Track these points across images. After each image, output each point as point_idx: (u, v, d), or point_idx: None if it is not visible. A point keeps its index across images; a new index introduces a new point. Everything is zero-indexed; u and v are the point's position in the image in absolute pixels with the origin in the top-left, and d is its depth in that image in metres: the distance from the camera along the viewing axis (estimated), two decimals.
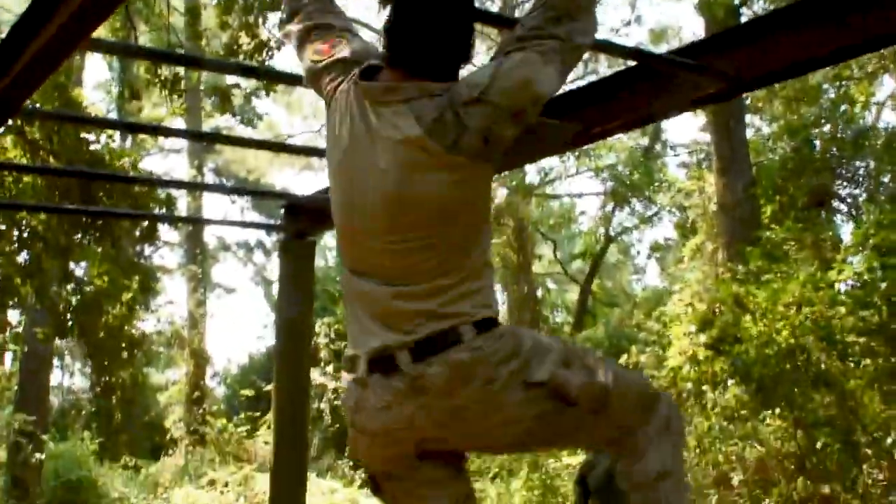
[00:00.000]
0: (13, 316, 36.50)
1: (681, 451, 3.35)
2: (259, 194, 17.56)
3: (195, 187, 26.06)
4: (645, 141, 30.79)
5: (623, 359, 19.04)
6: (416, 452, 3.07)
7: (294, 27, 3.31)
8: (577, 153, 27.12)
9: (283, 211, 7.37)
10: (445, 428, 3.01)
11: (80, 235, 12.02)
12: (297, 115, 43.00)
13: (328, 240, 43.73)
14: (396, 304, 2.98)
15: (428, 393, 2.92)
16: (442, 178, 2.88)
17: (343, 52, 3.14)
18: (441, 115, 2.83)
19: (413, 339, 2.93)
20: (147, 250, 15.95)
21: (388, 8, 3.05)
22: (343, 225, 3.11)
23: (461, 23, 3.03)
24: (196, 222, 33.02)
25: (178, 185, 20.28)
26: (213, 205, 71.28)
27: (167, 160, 44.36)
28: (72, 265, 14.03)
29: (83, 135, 10.75)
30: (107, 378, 27.49)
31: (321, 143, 3.04)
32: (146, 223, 13.38)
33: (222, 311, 75.28)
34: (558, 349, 3.14)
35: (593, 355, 3.41)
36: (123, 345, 18.29)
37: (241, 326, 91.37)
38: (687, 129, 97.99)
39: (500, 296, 32.78)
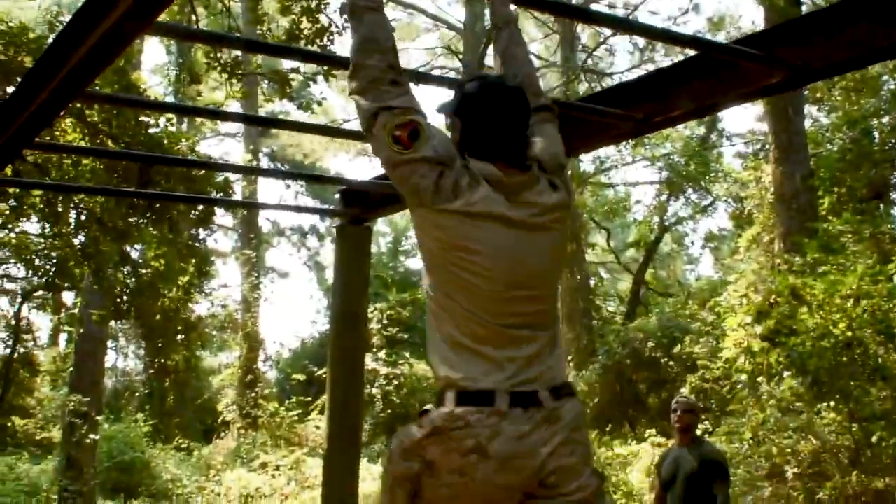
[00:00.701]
0: (68, 298, 36.87)
1: None
2: (316, 179, 17.60)
3: (252, 172, 26.13)
4: (701, 130, 30.60)
5: (677, 349, 19.01)
6: (526, 489, 3.38)
7: (361, 100, 3.51)
8: (632, 142, 26.97)
9: (339, 196, 7.37)
10: (557, 457, 3.36)
11: (137, 218, 12.09)
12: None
13: (382, 225, 43.95)
14: (538, 349, 3.47)
15: (559, 422, 3.37)
16: (567, 224, 3.66)
17: (425, 150, 3.41)
18: (552, 181, 3.56)
19: (553, 384, 3.44)
20: (202, 234, 15.97)
21: (478, 110, 3.58)
22: (501, 292, 3.44)
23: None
24: (253, 206, 33.15)
25: (236, 169, 20.22)
26: (268, 189, 71.43)
27: (223, 144, 44.66)
28: (128, 248, 14.11)
29: (142, 118, 10.79)
30: (161, 360, 27.71)
31: None
32: (201, 207, 13.42)
33: (275, 295, 75.68)
34: None
35: None
36: (179, 328, 18.40)
37: (294, 311, 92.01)
38: (744, 118, 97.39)
39: None
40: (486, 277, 3.41)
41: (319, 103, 17.67)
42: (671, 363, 20.88)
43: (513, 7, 4.25)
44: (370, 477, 18.86)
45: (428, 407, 3.49)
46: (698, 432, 9.45)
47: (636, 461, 16.47)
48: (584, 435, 3.54)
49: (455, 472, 3.33)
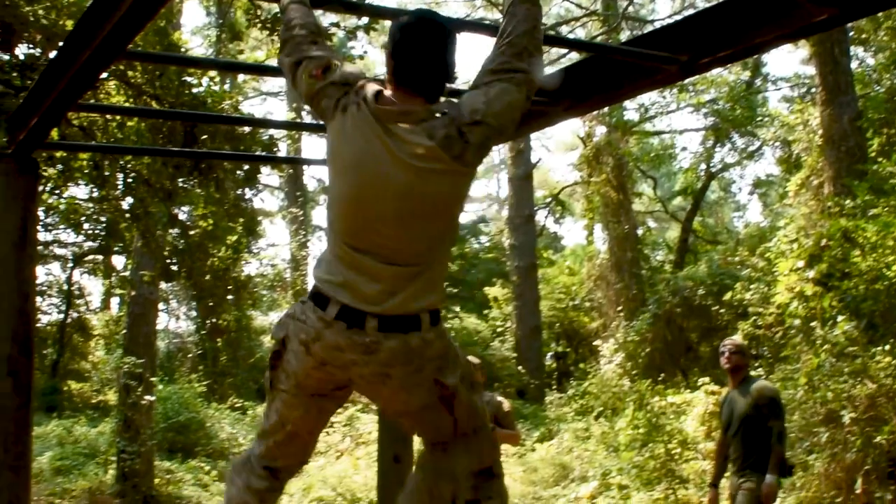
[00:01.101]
0: (118, 261, 36.95)
1: None
2: None
3: (297, 127, 26.12)
4: (746, 75, 30.26)
5: (727, 296, 18.88)
6: (329, 389, 4.08)
7: (285, 59, 4.09)
8: (677, 89, 26.71)
9: None
10: (362, 384, 4.03)
11: (183, 179, 12.08)
12: None
13: None
14: (388, 280, 3.82)
15: (374, 355, 3.80)
16: (447, 180, 3.79)
17: (332, 77, 3.91)
18: (448, 133, 3.70)
19: (385, 313, 3.79)
20: (248, 194, 15.96)
21: (395, 36, 3.90)
22: (352, 211, 3.85)
23: (453, 56, 3.96)
24: (299, 162, 33.19)
25: (281, 125, 20.13)
26: (312, 149, 71.55)
27: (266, 104, 44.61)
28: (176, 209, 14.10)
29: (185, 78, 10.77)
30: (214, 320, 27.84)
31: None
32: (247, 166, 13.40)
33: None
34: (465, 366, 4.19)
35: (482, 397, 4.45)
36: (230, 287, 18.47)
37: None
38: (789, 62, 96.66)
39: (600, 234, 32.62)
40: (346, 199, 3.85)
41: (361, 57, 17.62)
42: (721, 311, 20.79)
43: None
44: None
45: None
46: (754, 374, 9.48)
47: (690, 410, 16.41)
48: (401, 369, 3.87)
49: (292, 353, 3.98)
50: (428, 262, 3.90)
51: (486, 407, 7.10)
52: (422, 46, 3.84)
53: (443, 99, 3.99)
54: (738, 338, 9.67)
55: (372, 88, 3.84)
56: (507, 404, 8.93)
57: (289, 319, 4.05)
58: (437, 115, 3.78)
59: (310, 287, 4.11)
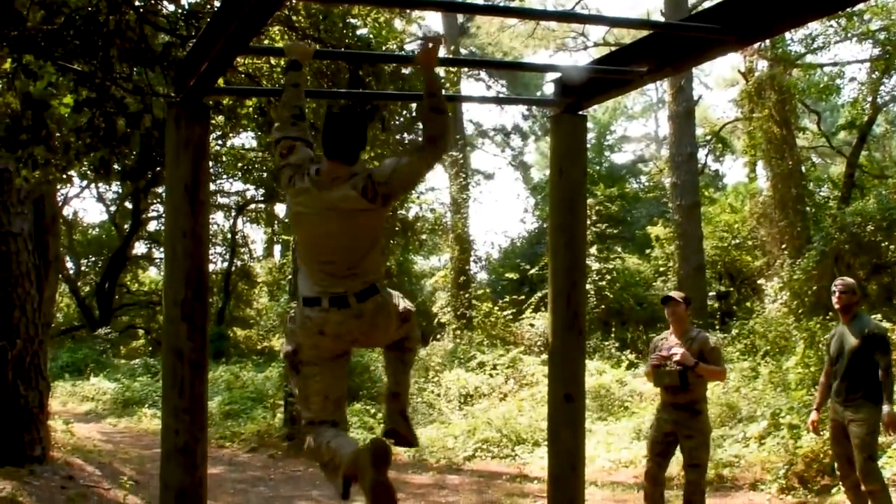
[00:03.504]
0: (280, 209, 37.47)
1: None
2: (530, 68, 17.21)
3: (467, 64, 26.09)
4: None
5: None
6: (343, 350, 5.83)
7: (274, 132, 5.89)
8: (844, 17, 25.81)
9: (553, 85, 7.23)
10: (364, 334, 5.72)
11: None
12: None
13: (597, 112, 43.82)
14: (347, 274, 5.57)
15: (363, 316, 5.60)
16: (367, 215, 5.53)
17: (291, 159, 5.70)
18: (365, 185, 5.43)
19: (355, 290, 5.57)
20: (409, 138, 15.98)
21: (327, 123, 5.61)
22: (314, 245, 5.65)
23: (365, 131, 5.75)
24: (468, 101, 33.15)
25: (450, 62, 20.03)
26: (469, 91, 71.62)
27: None
28: None
29: (349, 20, 10.78)
30: None
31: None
32: (410, 110, 13.37)
33: (482, 196, 76.83)
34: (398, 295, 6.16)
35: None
36: (396, 228, 18.54)
37: (501, 211, 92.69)
38: None
39: (763, 171, 31.91)
40: (306, 234, 5.69)
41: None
42: (892, 247, 20.30)
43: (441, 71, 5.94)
44: (587, 373, 18.83)
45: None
46: None
47: None
48: (385, 315, 5.74)
49: (312, 346, 5.69)
50: (363, 269, 5.63)
51: (693, 343, 9.13)
52: (338, 129, 5.55)
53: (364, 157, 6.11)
54: (848, 278, 9.97)
55: (314, 167, 5.58)
56: (712, 340, 9.43)
57: (293, 330, 5.79)
58: (356, 173, 5.49)
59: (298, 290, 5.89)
